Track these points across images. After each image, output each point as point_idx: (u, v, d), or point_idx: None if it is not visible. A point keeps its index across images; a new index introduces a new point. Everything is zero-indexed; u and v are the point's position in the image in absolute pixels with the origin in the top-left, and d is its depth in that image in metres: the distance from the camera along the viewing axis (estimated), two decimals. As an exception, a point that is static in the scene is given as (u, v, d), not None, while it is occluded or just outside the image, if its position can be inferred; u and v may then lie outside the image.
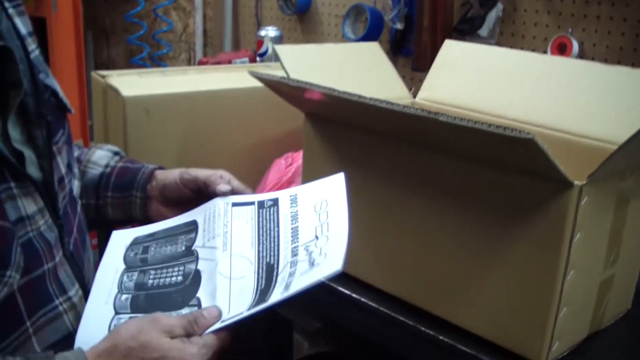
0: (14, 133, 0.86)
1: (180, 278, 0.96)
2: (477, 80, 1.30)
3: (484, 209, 0.91)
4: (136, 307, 0.92)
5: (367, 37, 2.07)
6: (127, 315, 0.90)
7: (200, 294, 0.92)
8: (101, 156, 1.18)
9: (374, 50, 1.43)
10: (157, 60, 3.05)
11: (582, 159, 1.04)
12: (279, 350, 1.58)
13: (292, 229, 0.96)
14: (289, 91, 1.08)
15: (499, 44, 1.83)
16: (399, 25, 2.03)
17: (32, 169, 0.88)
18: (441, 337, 0.96)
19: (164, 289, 0.95)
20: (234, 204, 1.04)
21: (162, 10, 3.03)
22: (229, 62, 2.27)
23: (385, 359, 1.19)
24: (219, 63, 2.20)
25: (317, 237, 0.91)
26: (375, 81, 1.37)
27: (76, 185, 1.03)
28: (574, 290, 0.88)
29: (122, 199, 1.14)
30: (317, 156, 1.13)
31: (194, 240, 1.01)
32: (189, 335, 0.83)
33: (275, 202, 1.02)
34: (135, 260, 1.01)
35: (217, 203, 1.05)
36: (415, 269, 1.01)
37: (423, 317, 1.00)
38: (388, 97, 0.91)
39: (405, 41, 2.08)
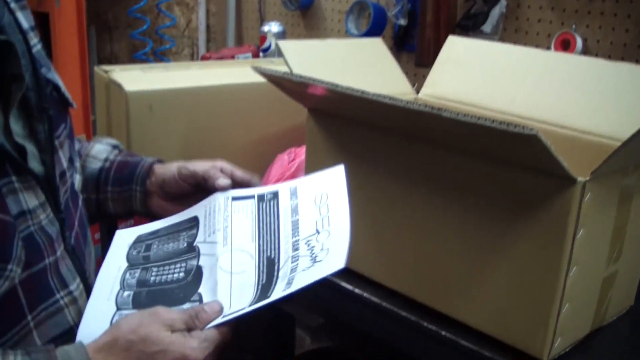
0: (16, 127, 0.86)
1: (182, 274, 0.96)
2: (480, 76, 1.30)
3: (487, 205, 0.91)
4: (138, 303, 0.92)
5: (370, 33, 2.06)
6: (129, 312, 0.90)
7: (202, 289, 0.92)
8: (100, 150, 1.18)
9: (377, 46, 1.42)
10: (160, 56, 3.05)
11: (585, 155, 1.04)
12: (281, 346, 1.58)
13: (292, 222, 0.96)
14: (292, 86, 1.08)
15: (502, 40, 1.83)
16: (402, 21, 2.02)
17: (34, 163, 0.88)
18: (443, 333, 0.96)
19: (166, 285, 0.95)
20: (234, 198, 1.04)
21: (165, 6, 3.03)
22: (232, 57, 2.27)
23: (387, 354, 1.19)
24: (222, 58, 2.21)
25: (318, 232, 0.91)
26: (379, 77, 1.37)
27: (78, 179, 1.03)
28: (577, 286, 0.88)
29: (122, 193, 1.14)
30: (320, 151, 1.13)
31: (195, 236, 1.01)
32: (189, 329, 0.83)
33: (275, 195, 1.02)
34: (138, 258, 1.01)
35: (217, 198, 1.04)
36: (418, 265, 1.01)
37: (425, 313, 1.00)
38: (391, 92, 0.91)
39: (409, 37, 2.07)
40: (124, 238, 1.07)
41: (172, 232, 1.05)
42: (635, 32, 1.60)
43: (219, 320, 0.85)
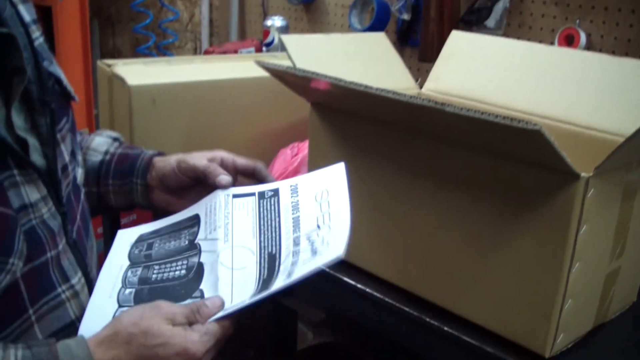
0: (18, 120, 0.86)
1: (183, 271, 0.96)
2: (483, 71, 1.30)
3: (490, 200, 0.91)
4: (140, 300, 0.92)
5: (373, 28, 2.06)
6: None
7: (203, 285, 0.92)
8: (100, 143, 1.18)
9: (380, 41, 1.42)
10: (163, 50, 3.05)
11: (588, 151, 1.04)
12: (283, 340, 1.58)
13: (293, 218, 0.96)
14: (295, 81, 1.08)
15: (506, 35, 1.82)
16: (406, 16, 2.02)
17: (36, 157, 0.88)
18: (446, 328, 0.96)
19: (168, 282, 0.95)
20: (235, 196, 1.04)
21: (168, 0, 3.03)
22: (235, 51, 2.26)
23: (389, 349, 1.19)
24: (225, 53, 2.20)
25: (319, 227, 0.91)
26: (382, 72, 1.36)
27: (80, 173, 1.03)
28: (580, 282, 0.87)
29: (123, 186, 1.14)
30: (323, 146, 1.13)
31: (196, 233, 1.01)
32: (191, 323, 0.83)
33: (275, 192, 1.02)
34: (140, 256, 1.01)
35: (218, 195, 1.04)
36: (421, 260, 1.01)
37: (428, 308, 1.00)
38: (394, 87, 0.91)
39: (412, 32, 2.07)
40: (125, 238, 1.07)
41: (173, 230, 1.05)
42: (639, 28, 1.59)
43: (221, 313, 0.85)
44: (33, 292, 0.84)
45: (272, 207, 1.00)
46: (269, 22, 2.36)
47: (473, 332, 0.94)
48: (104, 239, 1.60)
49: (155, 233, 1.06)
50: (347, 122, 1.08)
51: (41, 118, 0.89)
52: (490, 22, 1.82)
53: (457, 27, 1.79)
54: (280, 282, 0.85)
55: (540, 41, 1.75)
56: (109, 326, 0.82)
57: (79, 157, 1.04)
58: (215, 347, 0.84)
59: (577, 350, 0.93)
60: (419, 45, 1.97)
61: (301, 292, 1.15)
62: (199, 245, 0.99)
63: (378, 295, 1.04)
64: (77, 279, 0.91)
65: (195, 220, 1.04)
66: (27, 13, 0.93)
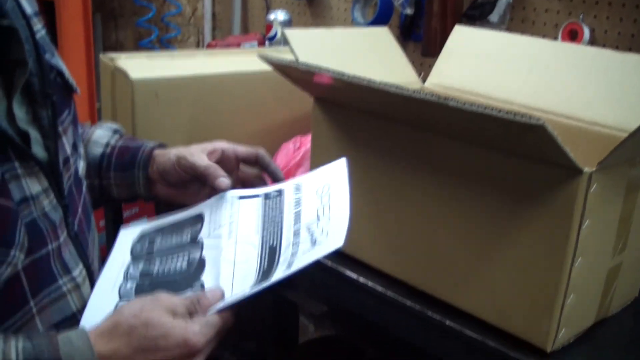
0: (19, 113, 0.86)
1: (185, 265, 0.96)
2: (486, 66, 1.30)
3: (493, 195, 0.90)
4: (141, 293, 0.92)
5: (376, 22, 2.06)
6: None
7: (204, 278, 0.92)
8: (101, 135, 1.18)
9: (383, 35, 1.42)
10: (165, 44, 3.05)
11: (591, 146, 1.04)
12: (284, 333, 1.59)
13: (294, 213, 0.97)
14: (298, 75, 1.08)
15: (509, 30, 1.82)
16: (409, 10, 2.01)
17: (37, 149, 0.88)
18: (447, 322, 0.96)
19: (169, 276, 0.95)
20: (241, 197, 1.04)
21: (171, -7, 3.03)
22: (238, 45, 2.26)
23: (391, 343, 1.19)
24: (227, 46, 2.20)
25: (318, 218, 0.91)
26: (385, 66, 1.36)
27: (82, 165, 1.03)
28: (582, 277, 0.87)
29: (125, 178, 1.14)
30: (325, 140, 1.13)
31: (199, 231, 1.02)
32: (191, 314, 0.83)
33: (280, 192, 1.02)
34: (142, 252, 1.02)
35: (224, 196, 1.04)
36: (423, 254, 1.01)
37: (429, 302, 1.00)
38: (397, 82, 0.91)
39: (415, 26, 2.07)
40: (128, 235, 1.07)
41: (176, 228, 1.05)
42: (643, 23, 1.59)
43: (220, 304, 0.85)
44: (34, 285, 0.84)
45: (276, 205, 1.00)
46: (271, 16, 2.36)
47: (475, 326, 0.94)
48: (106, 232, 1.60)
49: (158, 231, 1.06)
50: (349, 116, 1.08)
51: (43, 110, 0.89)
52: (494, 17, 1.82)
53: (460, 22, 1.78)
54: (280, 273, 0.86)
55: (544, 36, 1.74)
56: (109, 318, 0.82)
57: (81, 150, 1.04)
58: (216, 338, 0.84)
59: (578, 345, 0.93)
60: (422, 40, 1.96)
61: (302, 285, 1.15)
62: (202, 241, 0.99)
63: (380, 288, 1.04)
64: (78, 271, 0.91)
65: (199, 219, 1.04)
66: (28, 5, 0.92)
